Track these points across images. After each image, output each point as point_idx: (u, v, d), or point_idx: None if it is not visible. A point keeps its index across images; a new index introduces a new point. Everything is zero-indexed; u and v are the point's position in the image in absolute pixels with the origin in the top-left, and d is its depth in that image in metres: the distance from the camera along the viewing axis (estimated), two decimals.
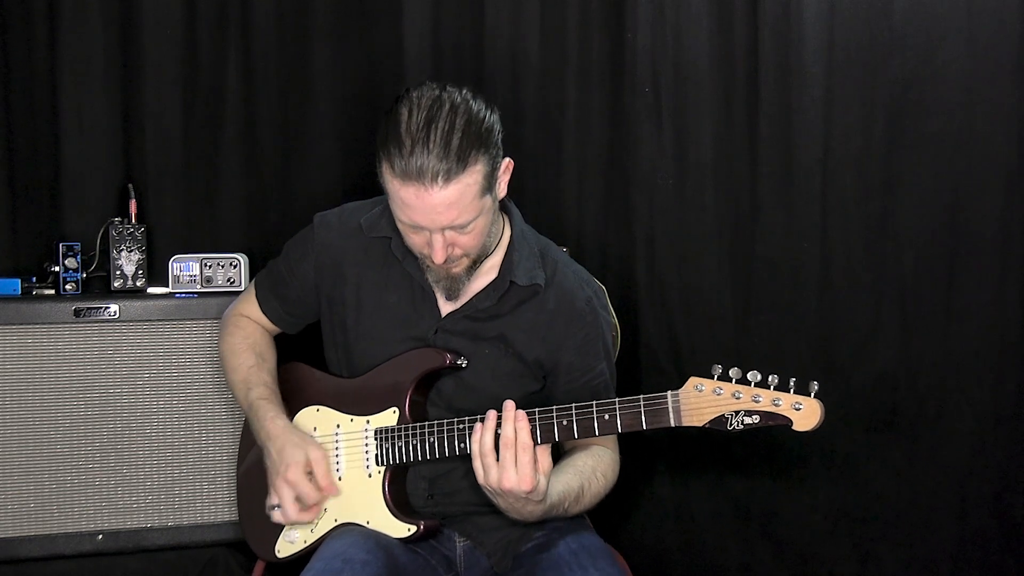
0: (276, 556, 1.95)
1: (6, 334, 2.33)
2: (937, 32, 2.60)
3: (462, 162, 1.65)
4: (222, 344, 2.08)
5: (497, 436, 1.68)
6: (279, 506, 1.85)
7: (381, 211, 1.94)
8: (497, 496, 1.70)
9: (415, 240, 1.77)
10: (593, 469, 1.84)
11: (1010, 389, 2.62)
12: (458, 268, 1.81)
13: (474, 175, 1.68)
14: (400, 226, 1.78)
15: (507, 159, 1.78)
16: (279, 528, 1.94)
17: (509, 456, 1.66)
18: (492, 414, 1.70)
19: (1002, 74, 2.59)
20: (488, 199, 1.74)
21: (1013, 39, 2.59)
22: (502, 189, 1.80)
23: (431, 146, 1.64)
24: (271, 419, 1.90)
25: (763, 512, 2.68)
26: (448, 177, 1.65)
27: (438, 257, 1.74)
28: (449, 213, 1.69)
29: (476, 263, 1.84)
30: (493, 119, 1.73)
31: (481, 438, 1.68)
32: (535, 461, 1.66)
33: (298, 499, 1.83)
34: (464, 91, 1.72)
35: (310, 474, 1.84)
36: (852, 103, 2.62)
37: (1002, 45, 2.59)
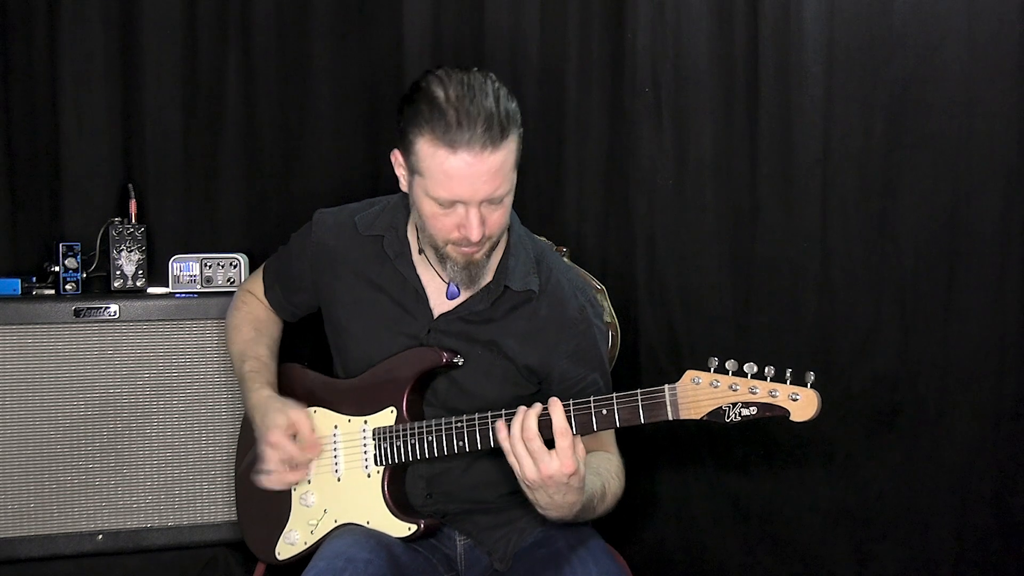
0: (276, 558, 1.95)
1: (6, 334, 2.33)
2: (937, 32, 2.60)
3: (505, 130, 1.67)
4: (227, 320, 2.12)
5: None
6: (267, 472, 1.86)
7: (378, 211, 1.94)
8: (537, 489, 1.66)
9: (445, 223, 1.75)
10: (608, 471, 1.84)
11: (1010, 389, 2.62)
12: (481, 252, 1.80)
13: (513, 143, 1.70)
14: (429, 209, 1.75)
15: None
16: (279, 530, 1.94)
17: (538, 446, 1.63)
18: (522, 410, 1.66)
19: (1002, 74, 2.59)
20: (515, 174, 1.76)
21: (1013, 39, 2.59)
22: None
23: (476, 114, 1.65)
24: (256, 390, 1.93)
25: (763, 512, 2.68)
26: (495, 144, 1.66)
27: (475, 234, 1.72)
28: (493, 182, 1.69)
29: (494, 247, 1.84)
30: (514, 101, 1.74)
31: (524, 423, 1.63)
32: (574, 445, 1.63)
33: (285, 461, 1.84)
34: (487, 72, 1.73)
35: (295, 436, 1.85)
36: (852, 103, 2.62)
37: (1002, 45, 2.59)
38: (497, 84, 1.71)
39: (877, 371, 2.64)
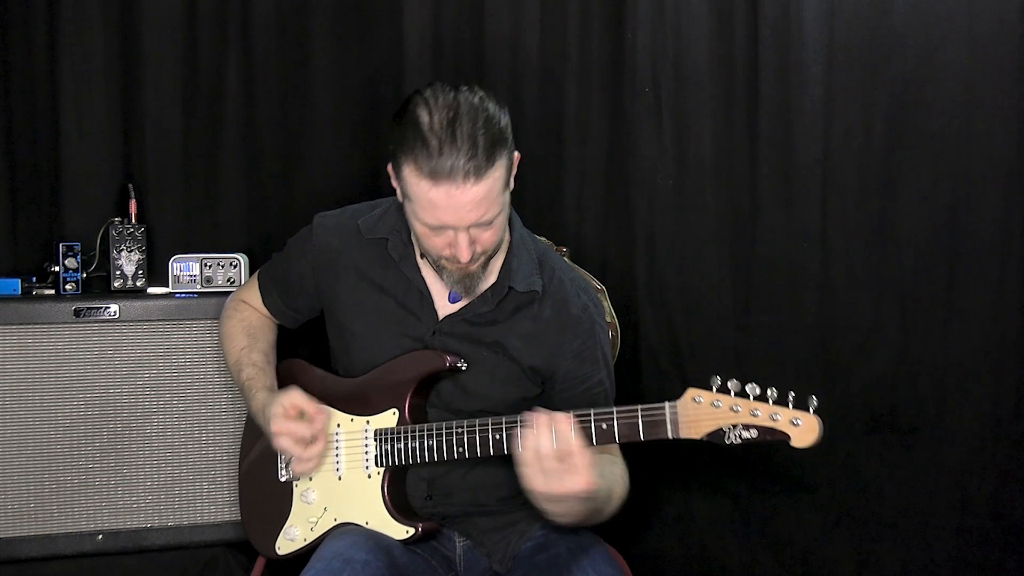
0: (276, 553, 1.95)
1: (6, 334, 2.33)
2: (937, 32, 2.60)
3: (490, 159, 1.65)
4: (220, 329, 2.11)
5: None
6: (289, 463, 1.86)
7: (380, 213, 1.94)
8: (551, 502, 1.64)
9: (436, 242, 1.76)
10: (613, 475, 1.83)
11: (1010, 389, 2.62)
12: (475, 265, 1.80)
13: (499, 170, 1.68)
14: (420, 229, 1.76)
15: (516, 153, 1.79)
16: (280, 526, 1.94)
17: (554, 466, 1.58)
18: (544, 420, 1.60)
19: (1002, 74, 2.59)
20: (507, 194, 1.75)
21: (1013, 39, 2.59)
22: (511, 182, 1.80)
23: (459, 144, 1.63)
24: (255, 396, 1.93)
25: (763, 512, 2.68)
26: (479, 174, 1.65)
27: (464, 256, 1.73)
28: (478, 210, 1.69)
29: (490, 258, 1.84)
30: (506, 117, 1.72)
31: (538, 444, 1.59)
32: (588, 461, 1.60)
33: (298, 441, 1.83)
34: (476, 89, 1.71)
35: (302, 416, 1.84)
36: (852, 103, 2.62)
37: (1002, 45, 2.59)
38: (486, 104, 1.68)
39: (877, 371, 2.64)
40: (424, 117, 1.66)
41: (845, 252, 2.65)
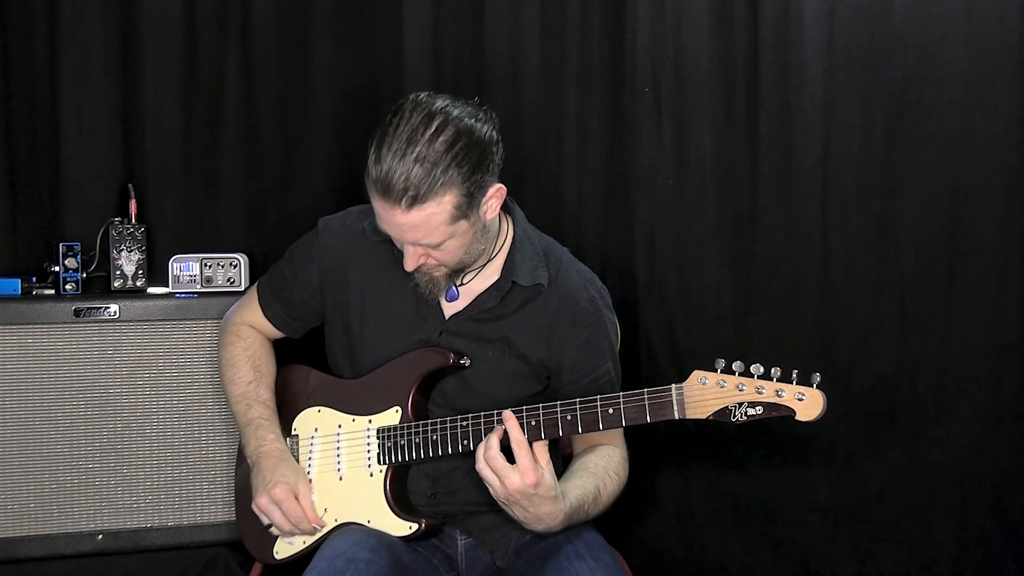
0: (275, 558, 1.95)
1: (6, 334, 2.33)
2: (937, 32, 2.59)
3: (428, 191, 1.65)
4: (222, 353, 2.07)
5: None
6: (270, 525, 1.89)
7: None
8: (513, 506, 1.69)
9: (396, 242, 1.80)
10: (605, 469, 1.84)
11: (1010, 389, 2.62)
12: (438, 273, 1.81)
13: (442, 205, 1.67)
14: None
15: (498, 186, 1.77)
16: None
17: (500, 463, 1.66)
18: (492, 439, 1.69)
19: (1002, 74, 2.59)
20: (463, 224, 1.73)
21: (1013, 39, 2.58)
22: (491, 211, 1.78)
23: (401, 168, 1.63)
24: (271, 440, 1.92)
25: (763, 512, 2.68)
26: (411, 204, 1.65)
27: (408, 265, 1.77)
28: (414, 234, 1.71)
29: (456, 273, 1.84)
30: (488, 145, 1.71)
31: (485, 454, 1.68)
32: (531, 455, 1.66)
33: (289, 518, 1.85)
34: (467, 111, 1.70)
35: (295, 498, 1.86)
36: (852, 103, 2.62)
37: (1002, 45, 2.59)
38: (463, 125, 1.66)
39: (877, 371, 2.64)
40: (392, 126, 1.67)
41: (845, 252, 2.64)
